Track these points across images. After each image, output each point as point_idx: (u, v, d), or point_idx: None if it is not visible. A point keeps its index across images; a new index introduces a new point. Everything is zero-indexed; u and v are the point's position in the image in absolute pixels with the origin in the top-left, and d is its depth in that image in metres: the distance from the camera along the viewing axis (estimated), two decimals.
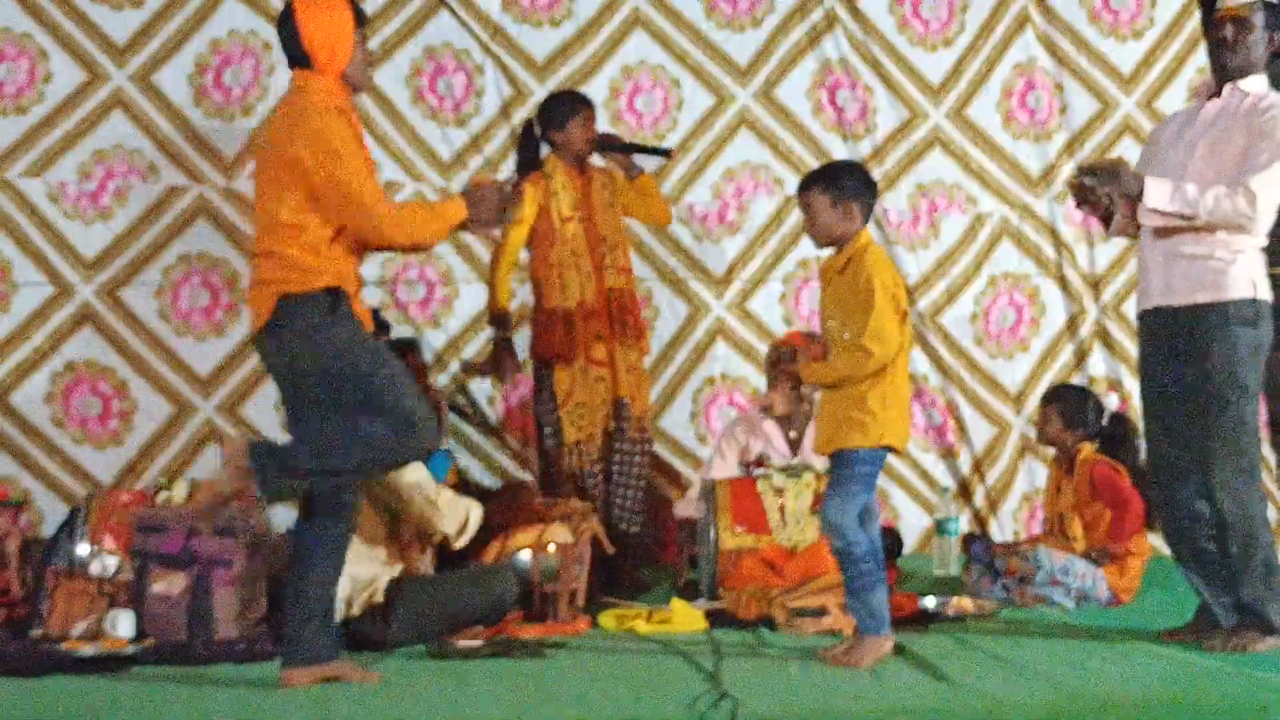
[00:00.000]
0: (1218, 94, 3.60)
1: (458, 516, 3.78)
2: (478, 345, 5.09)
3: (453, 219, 3.25)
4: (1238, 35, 3.54)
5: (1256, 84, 3.56)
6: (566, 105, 4.56)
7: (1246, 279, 3.47)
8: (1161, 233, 3.53)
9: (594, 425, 4.48)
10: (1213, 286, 3.47)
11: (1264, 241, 3.53)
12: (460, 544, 3.81)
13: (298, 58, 3.23)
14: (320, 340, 3.12)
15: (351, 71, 3.26)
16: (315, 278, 3.14)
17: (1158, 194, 3.41)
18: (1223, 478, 3.45)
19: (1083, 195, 3.52)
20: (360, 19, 3.27)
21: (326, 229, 3.16)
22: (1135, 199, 3.44)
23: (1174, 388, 3.54)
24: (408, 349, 4.60)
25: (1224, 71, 3.59)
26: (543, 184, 4.47)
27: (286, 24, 3.23)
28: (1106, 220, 3.69)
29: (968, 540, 4.49)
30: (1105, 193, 3.48)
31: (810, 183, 3.46)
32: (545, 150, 4.57)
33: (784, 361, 3.63)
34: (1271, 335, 3.51)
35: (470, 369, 5.02)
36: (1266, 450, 5.27)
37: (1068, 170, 5.54)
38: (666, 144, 5.21)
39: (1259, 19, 3.54)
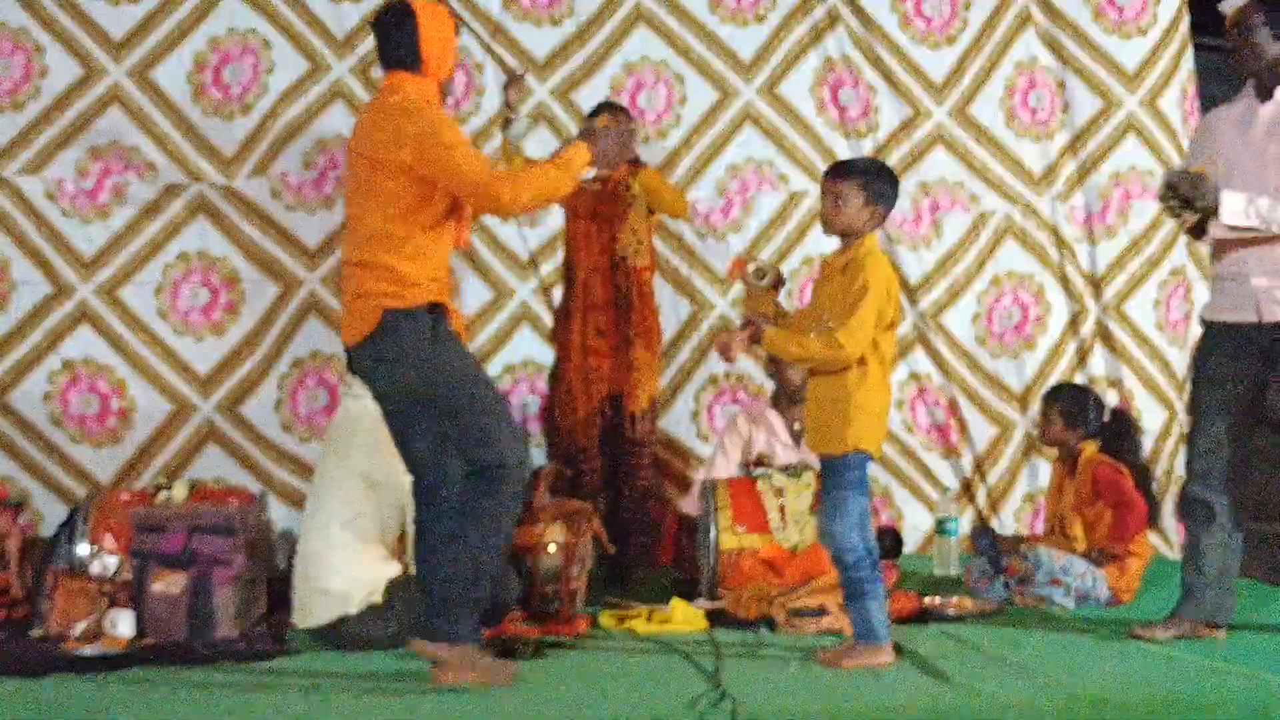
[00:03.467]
0: (1269, 95, 3.61)
1: None
2: (479, 343, 5.07)
3: (579, 165, 3.28)
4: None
5: None
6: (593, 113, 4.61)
7: None
8: (1248, 244, 3.57)
9: (581, 414, 4.54)
10: None
11: None
12: None
13: (406, 60, 3.21)
14: (423, 359, 3.11)
15: (448, 80, 3.31)
16: (417, 292, 3.12)
17: (1233, 209, 3.46)
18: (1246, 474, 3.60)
19: (1171, 207, 3.52)
20: (456, 29, 3.33)
21: (428, 237, 3.14)
22: (1212, 213, 3.49)
23: (1250, 395, 3.61)
24: None
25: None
26: None
27: (403, 25, 3.20)
28: (1197, 232, 3.69)
29: (975, 532, 4.45)
30: (1186, 200, 3.47)
31: (847, 173, 3.43)
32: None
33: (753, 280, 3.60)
34: None
35: None
36: None
37: (1070, 169, 5.54)
38: (669, 141, 5.24)
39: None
